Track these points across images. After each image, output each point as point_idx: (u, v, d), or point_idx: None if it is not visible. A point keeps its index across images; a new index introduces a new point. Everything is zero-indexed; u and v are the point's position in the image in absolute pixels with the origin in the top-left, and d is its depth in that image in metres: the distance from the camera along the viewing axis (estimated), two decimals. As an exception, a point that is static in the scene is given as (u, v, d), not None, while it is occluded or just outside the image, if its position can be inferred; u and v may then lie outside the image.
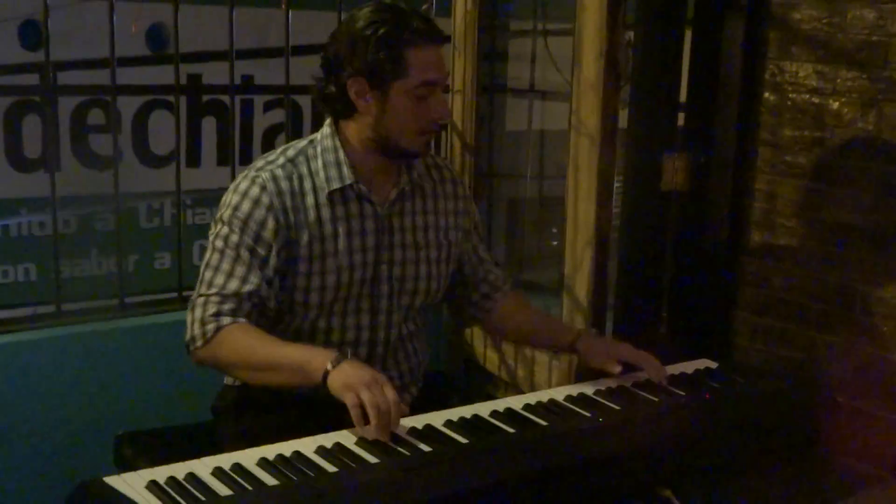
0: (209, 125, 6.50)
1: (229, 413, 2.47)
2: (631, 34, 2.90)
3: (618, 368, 2.43)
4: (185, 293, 3.32)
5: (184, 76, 5.66)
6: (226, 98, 6.01)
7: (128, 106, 5.89)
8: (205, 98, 6.53)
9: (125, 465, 2.45)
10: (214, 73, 5.81)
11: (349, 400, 2.06)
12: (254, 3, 4.53)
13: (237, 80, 5.88)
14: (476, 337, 3.45)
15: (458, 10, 3.40)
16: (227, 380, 2.51)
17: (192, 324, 2.30)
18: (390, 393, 2.09)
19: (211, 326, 2.27)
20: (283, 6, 3.30)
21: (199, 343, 2.29)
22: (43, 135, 5.64)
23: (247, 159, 6.36)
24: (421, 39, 2.25)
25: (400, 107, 2.29)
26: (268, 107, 6.64)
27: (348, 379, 2.09)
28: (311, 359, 2.17)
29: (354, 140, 2.38)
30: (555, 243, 3.76)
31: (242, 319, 2.29)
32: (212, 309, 2.28)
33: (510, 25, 3.61)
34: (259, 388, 2.34)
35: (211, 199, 6.22)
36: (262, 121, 6.66)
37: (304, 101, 6.59)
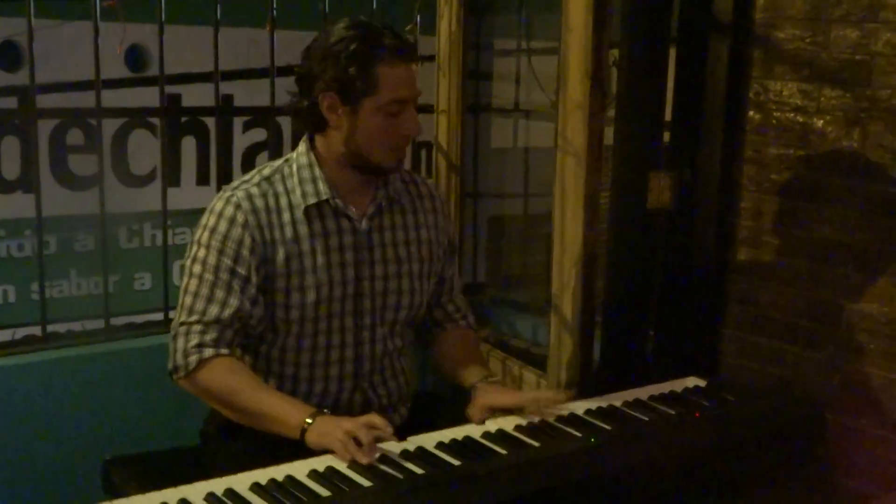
0: (188, 145, 6.48)
1: (218, 437, 2.46)
2: (615, 53, 2.90)
3: (479, 420, 2.36)
4: (170, 315, 3.30)
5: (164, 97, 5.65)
6: (205, 119, 6.03)
7: (107, 127, 5.86)
8: (184, 118, 6.51)
9: (114, 491, 2.43)
10: (194, 94, 5.81)
11: (333, 445, 2.12)
12: (235, 23, 4.52)
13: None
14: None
15: (443, 29, 3.40)
16: (216, 403, 2.50)
17: (175, 353, 2.31)
18: (361, 418, 2.16)
19: (193, 358, 2.29)
20: (268, 27, 3.29)
21: (181, 373, 2.31)
22: (22, 156, 5.61)
23: (227, 179, 6.36)
24: (392, 57, 2.26)
25: (370, 123, 2.30)
26: (247, 126, 6.64)
27: (323, 429, 2.15)
28: (288, 414, 2.22)
29: (328, 155, 2.39)
30: (538, 260, 3.76)
31: (225, 350, 2.30)
32: (194, 340, 2.29)
33: (495, 45, 3.61)
34: None
35: (191, 219, 6.22)
36: (241, 140, 6.66)
37: (284, 121, 6.60)
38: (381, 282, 2.46)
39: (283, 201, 2.37)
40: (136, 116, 5.81)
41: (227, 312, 2.30)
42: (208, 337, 2.29)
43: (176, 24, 3.81)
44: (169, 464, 2.52)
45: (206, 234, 2.34)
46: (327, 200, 2.37)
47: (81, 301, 5.86)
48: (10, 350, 3.00)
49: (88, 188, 5.70)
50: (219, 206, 2.35)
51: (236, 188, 2.37)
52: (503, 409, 2.39)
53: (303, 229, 2.36)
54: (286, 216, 2.36)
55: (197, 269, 2.34)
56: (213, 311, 2.30)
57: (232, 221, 2.32)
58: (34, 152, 3.17)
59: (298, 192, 2.37)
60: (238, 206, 2.33)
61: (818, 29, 2.70)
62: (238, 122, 6.59)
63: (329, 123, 2.34)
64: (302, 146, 2.43)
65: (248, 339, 2.39)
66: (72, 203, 5.51)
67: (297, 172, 2.39)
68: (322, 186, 2.37)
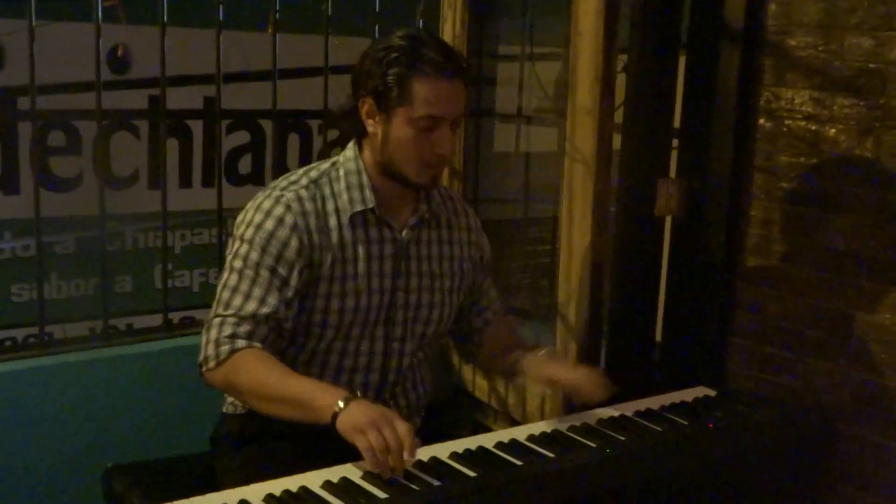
0: (171, 147, 6.42)
1: (229, 444, 2.41)
2: (624, 58, 2.88)
3: (549, 387, 2.39)
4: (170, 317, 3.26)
5: (145, 99, 5.59)
6: (189, 122, 5.99)
7: (89, 129, 5.79)
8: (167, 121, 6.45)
9: (116, 501, 2.39)
10: (174, 97, 5.74)
11: (361, 444, 2.02)
12: (231, 26, 4.47)
13: (199, 104, 5.78)
14: (465, 365, 3.40)
15: (447, 34, 3.37)
16: (227, 408, 2.46)
17: (207, 344, 2.25)
18: (401, 427, 2.05)
19: (225, 348, 2.22)
20: (271, 29, 3.26)
21: (211, 364, 2.24)
22: (3, 159, 5.54)
23: (209, 181, 6.31)
24: (431, 71, 2.22)
25: (401, 134, 2.27)
26: (230, 129, 6.58)
27: (357, 420, 2.04)
28: (319, 397, 2.12)
29: (371, 162, 2.37)
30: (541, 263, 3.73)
31: (258, 344, 2.24)
32: (227, 330, 2.24)
33: (499, 50, 3.57)
34: (263, 417, 2.28)
35: (174, 221, 6.14)
36: (224, 143, 6.60)
37: (267, 124, 6.56)
38: (415, 294, 2.43)
39: (331, 205, 2.34)
40: (127, 118, 5.74)
41: (265, 311, 2.25)
42: (242, 329, 2.24)
43: (176, 26, 3.77)
44: (173, 472, 2.48)
45: (251, 230, 2.29)
46: (372, 209, 2.35)
47: (61, 304, 5.79)
48: (9, 355, 2.93)
49: (69, 190, 5.64)
50: (267, 204, 2.31)
51: (285, 189, 2.33)
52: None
53: (348, 235, 2.33)
54: (333, 221, 2.33)
55: (238, 263, 2.29)
56: (250, 307, 2.25)
57: (280, 221, 2.28)
58: (36, 152, 3.11)
59: (345, 197, 2.34)
60: (288, 207, 2.29)
61: (832, 37, 2.68)
62: (222, 125, 6.54)
63: (367, 130, 2.32)
64: (350, 151, 2.40)
65: (280, 339, 2.33)
66: (53, 205, 5.44)
67: (345, 178, 2.36)
68: (368, 194, 2.35)
